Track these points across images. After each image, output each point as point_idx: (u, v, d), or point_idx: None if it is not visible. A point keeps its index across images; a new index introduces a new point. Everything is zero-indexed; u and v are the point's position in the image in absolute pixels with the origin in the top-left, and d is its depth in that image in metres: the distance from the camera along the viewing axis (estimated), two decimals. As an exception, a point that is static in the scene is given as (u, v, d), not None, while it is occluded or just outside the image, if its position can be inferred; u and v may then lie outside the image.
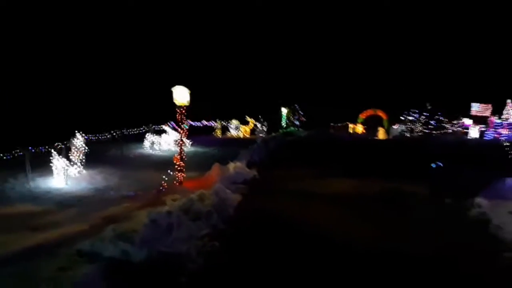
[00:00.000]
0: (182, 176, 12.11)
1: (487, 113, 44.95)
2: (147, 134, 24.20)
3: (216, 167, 12.74)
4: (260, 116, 42.18)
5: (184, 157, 12.19)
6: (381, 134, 43.47)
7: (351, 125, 47.38)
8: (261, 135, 40.46)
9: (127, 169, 16.64)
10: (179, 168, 12.03)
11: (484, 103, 45.69)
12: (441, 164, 17.38)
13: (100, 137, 20.74)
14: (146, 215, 7.28)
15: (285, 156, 22.41)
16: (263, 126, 41.64)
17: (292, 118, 47.67)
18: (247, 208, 9.89)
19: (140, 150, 23.27)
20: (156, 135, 24.57)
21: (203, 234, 7.39)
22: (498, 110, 43.44)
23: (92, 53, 45.52)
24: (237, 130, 40.53)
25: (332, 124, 47.78)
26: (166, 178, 11.90)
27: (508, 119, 42.05)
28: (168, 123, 27.89)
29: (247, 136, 39.46)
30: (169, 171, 12.26)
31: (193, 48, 56.50)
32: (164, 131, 26.07)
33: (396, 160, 20.54)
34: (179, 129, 12.18)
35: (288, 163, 18.72)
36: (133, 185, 12.83)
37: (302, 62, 61.83)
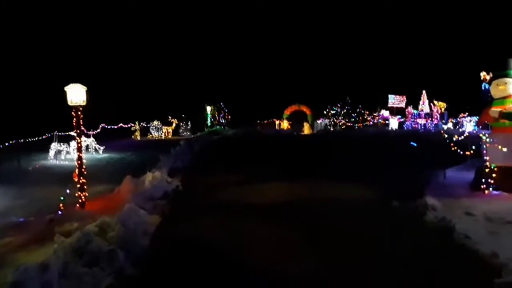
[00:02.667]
0: (85, 196, 9.66)
1: (402, 104, 46.89)
2: (53, 142, 20.89)
3: (127, 181, 10.45)
4: (183, 116, 39.97)
5: (84, 171, 9.74)
6: (306, 129, 43.42)
7: (277, 121, 46.88)
8: (185, 134, 38.29)
9: (24, 186, 13.97)
10: (79, 186, 9.57)
11: (399, 94, 47.60)
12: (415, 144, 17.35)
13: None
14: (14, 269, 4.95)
15: (213, 158, 20.51)
16: (187, 126, 39.54)
17: (218, 117, 45.91)
18: (167, 235, 7.78)
19: (43, 161, 19.98)
20: (62, 142, 21.25)
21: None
22: (412, 101, 45.47)
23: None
24: (159, 131, 38.00)
25: (258, 121, 46.94)
26: (63, 198, 9.42)
27: (423, 110, 44.10)
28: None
29: (170, 137, 37.09)
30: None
31: (102, 42, 52.05)
32: (73, 138, 22.81)
33: (324, 157, 19.62)
34: (77, 136, 9.69)
35: (216, 166, 16.83)
36: (27, 207, 10.53)
37: (225, 59, 60.13)
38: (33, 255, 6.63)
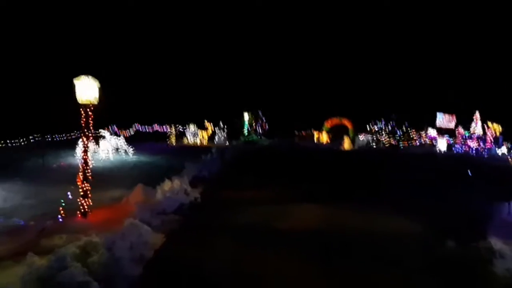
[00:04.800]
0: (88, 204, 8.56)
1: (451, 124, 43.66)
2: (80, 140, 20.39)
3: (137, 191, 9.28)
4: (220, 122, 38.94)
5: (89, 176, 8.65)
6: (346, 144, 41.25)
7: (316, 134, 44.97)
8: (220, 142, 37.30)
9: (41, 185, 13.45)
10: (82, 193, 8.48)
11: (448, 113, 44.48)
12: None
13: (14, 144, 16.99)
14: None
15: (243, 170, 19.19)
16: (223, 133, 38.48)
17: (255, 125, 44.54)
18: (165, 263, 6.43)
19: (70, 160, 19.46)
20: (92, 141, 20.71)
21: None
22: (462, 122, 42.23)
23: None
24: (195, 136, 37.20)
25: (296, 132, 45.16)
26: (64, 203, 8.41)
27: (475, 132, 40.82)
28: (109, 127, 24.25)
29: (205, 144, 36.14)
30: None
31: (150, 45, 52.48)
32: (102, 137, 22.29)
33: (366, 178, 17.63)
34: (84, 137, 8.62)
35: (245, 179, 15.48)
36: (35, 209, 9.85)
37: (267, 66, 59.12)
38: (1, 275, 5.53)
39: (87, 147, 8.64)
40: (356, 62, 60.98)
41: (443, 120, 43.72)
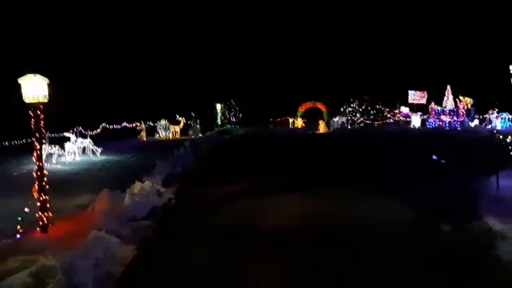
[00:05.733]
0: (47, 217, 7.61)
1: (423, 100, 44.06)
2: (43, 144, 19.01)
3: (102, 197, 8.34)
4: (192, 114, 38.00)
5: (46, 185, 7.68)
6: (321, 127, 41.04)
7: (290, 119, 44.61)
8: (194, 134, 36.36)
9: (1, 196, 12.08)
10: (40, 205, 7.52)
11: (420, 90, 44.86)
12: (443, 161, 13.79)
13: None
14: None
15: (220, 162, 18.44)
16: (196, 125, 37.58)
17: (228, 115, 43.77)
18: (137, 281, 5.64)
19: (33, 166, 18.12)
20: (54, 144, 19.37)
21: None
22: (434, 97, 42.58)
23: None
24: (167, 130, 36.13)
25: (271, 119, 44.73)
26: (21, 219, 7.46)
27: (446, 106, 41.23)
28: (74, 128, 22.84)
29: (178, 137, 35.16)
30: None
31: (114, 42, 50.30)
32: (67, 139, 20.96)
33: (344, 161, 17.21)
34: (35, 141, 7.61)
35: (223, 172, 14.71)
36: None
37: (235, 54, 57.88)
38: None
39: (40, 152, 7.64)
40: (325, 44, 60.58)
41: (415, 96, 44.05)
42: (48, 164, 18.43)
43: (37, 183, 7.62)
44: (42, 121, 7.55)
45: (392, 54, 56.24)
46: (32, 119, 7.46)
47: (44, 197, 7.62)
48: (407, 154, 17.91)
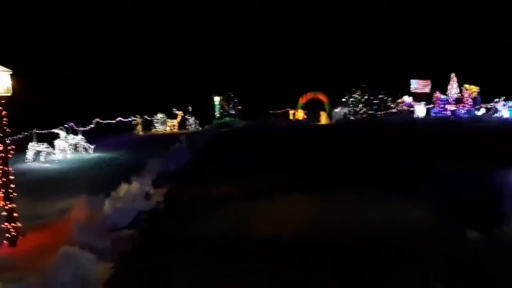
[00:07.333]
0: (16, 229, 6.64)
1: (427, 89, 42.89)
2: (31, 142, 18.02)
3: (81, 204, 7.38)
4: (190, 108, 37.10)
5: (12, 193, 6.70)
6: (323, 118, 40.14)
7: (291, 111, 43.61)
8: (192, 127, 35.54)
9: None
10: (7, 215, 6.55)
11: (423, 78, 43.68)
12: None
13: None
14: None
15: (216, 159, 17.43)
16: (194, 118, 36.77)
17: (227, 108, 42.71)
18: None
19: (19, 165, 17.05)
20: (42, 142, 18.35)
21: None
22: (438, 86, 41.45)
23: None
24: (163, 124, 35.34)
25: (271, 111, 43.72)
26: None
27: (450, 95, 40.14)
28: (65, 124, 21.79)
29: (176, 131, 34.33)
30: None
31: (110, 32, 49.15)
32: (57, 136, 19.96)
33: (349, 156, 16.06)
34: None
35: (218, 170, 13.70)
36: None
37: (235, 45, 56.67)
38: None
39: (5, 153, 6.63)
40: (326, 34, 59.33)
41: (418, 85, 42.86)
42: (36, 163, 17.48)
43: (2, 190, 6.63)
44: (5, 118, 6.55)
45: (395, 41, 55.00)
46: (-5, 116, 6.46)
47: (10, 205, 6.65)
48: (413, 143, 16.87)
